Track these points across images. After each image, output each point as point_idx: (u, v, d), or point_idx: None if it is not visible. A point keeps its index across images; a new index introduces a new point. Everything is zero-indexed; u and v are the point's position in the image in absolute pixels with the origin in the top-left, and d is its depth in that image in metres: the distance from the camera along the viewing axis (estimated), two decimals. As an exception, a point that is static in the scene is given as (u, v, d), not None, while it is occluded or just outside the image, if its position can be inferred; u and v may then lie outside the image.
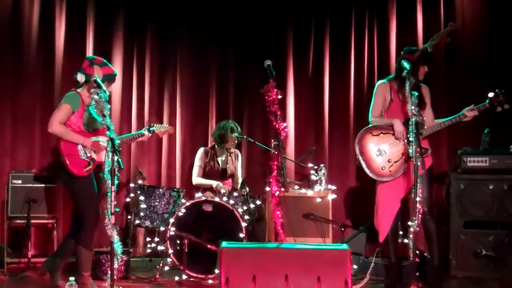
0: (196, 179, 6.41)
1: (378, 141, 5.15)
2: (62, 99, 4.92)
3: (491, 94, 5.03)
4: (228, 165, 6.42)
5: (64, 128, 4.81)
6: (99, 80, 4.55)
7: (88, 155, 4.88)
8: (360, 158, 5.17)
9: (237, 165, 6.52)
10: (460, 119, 5.06)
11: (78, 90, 4.94)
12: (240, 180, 6.34)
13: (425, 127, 5.05)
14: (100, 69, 4.87)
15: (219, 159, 6.42)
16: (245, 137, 6.69)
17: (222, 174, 6.41)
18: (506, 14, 6.73)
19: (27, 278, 5.42)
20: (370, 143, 5.16)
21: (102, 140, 4.89)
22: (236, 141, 6.42)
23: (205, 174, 6.41)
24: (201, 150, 6.49)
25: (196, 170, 6.44)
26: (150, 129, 5.47)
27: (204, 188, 6.32)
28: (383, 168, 5.09)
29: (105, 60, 4.97)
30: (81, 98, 4.89)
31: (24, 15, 6.67)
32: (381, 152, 5.12)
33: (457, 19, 6.88)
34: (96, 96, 4.38)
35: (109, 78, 4.95)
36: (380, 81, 5.32)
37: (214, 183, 6.23)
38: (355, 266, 5.77)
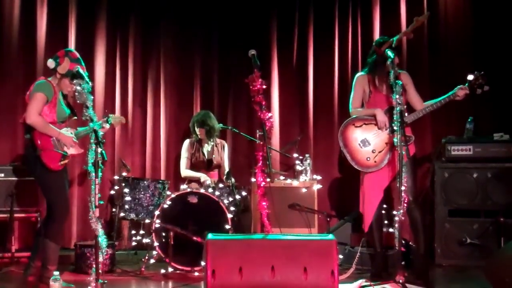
0: (185, 171, 6.38)
1: (361, 132, 5.17)
2: (33, 88, 4.71)
3: (470, 77, 5.03)
4: (214, 156, 6.39)
5: (42, 120, 4.66)
6: (81, 71, 4.50)
7: (62, 148, 4.77)
8: (345, 151, 5.19)
9: (223, 156, 6.49)
10: (450, 99, 5.04)
11: (49, 78, 4.80)
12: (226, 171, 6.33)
13: (406, 114, 5.04)
14: (69, 62, 4.70)
15: (205, 150, 6.39)
16: (229, 127, 6.67)
17: (208, 165, 6.37)
18: (488, 1, 6.75)
19: (11, 273, 5.36)
20: (353, 135, 5.18)
21: (71, 133, 4.84)
22: (202, 132, 6.33)
23: (192, 166, 6.38)
24: (186, 142, 6.46)
25: (183, 162, 6.41)
26: (108, 120, 5.25)
27: (190, 180, 6.29)
28: (368, 159, 5.10)
29: (80, 58, 4.80)
30: (53, 87, 4.75)
31: (5, 5, 6.61)
32: (364, 143, 5.13)
33: (440, 7, 6.91)
34: (78, 87, 4.32)
35: (74, 76, 4.73)
36: (359, 74, 5.36)
37: (202, 176, 6.20)
38: (340, 256, 5.77)
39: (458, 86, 5.04)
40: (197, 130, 6.31)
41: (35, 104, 4.64)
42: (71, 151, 4.83)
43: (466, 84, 5.01)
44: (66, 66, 4.70)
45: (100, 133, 4.20)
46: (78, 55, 4.81)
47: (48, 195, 4.82)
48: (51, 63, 4.75)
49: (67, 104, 4.92)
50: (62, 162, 4.76)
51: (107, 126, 5.17)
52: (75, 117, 4.96)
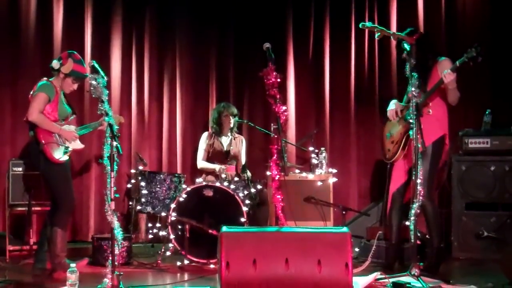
0: (201, 163, 6.40)
1: (387, 127, 5.33)
2: (36, 89, 4.99)
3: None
4: (232, 147, 6.39)
5: (43, 117, 4.92)
6: (96, 65, 4.55)
7: (64, 142, 5.01)
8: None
9: (241, 149, 6.49)
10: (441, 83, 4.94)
11: (51, 79, 5.07)
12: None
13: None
14: (72, 63, 5.02)
15: (223, 141, 6.39)
16: (245, 121, 6.69)
17: (226, 156, 6.38)
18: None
19: (29, 265, 5.42)
20: (385, 129, 5.36)
21: (74, 128, 5.11)
22: (231, 122, 6.35)
23: (209, 157, 6.40)
24: (205, 134, 6.49)
25: (200, 153, 6.43)
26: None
27: (206, 173, 6.31)
28: (389, 150, 5.22)
29: (82, 60, 5.12)
30: (55, 87, 5.01)
31: (21, 1, 6.64)
32: (389, 135, 5.27)
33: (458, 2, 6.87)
34: (94, 82, 4.36)
35: (76, 76, 5.06)
36: None
37: (217, 167, 6.22)
38: (356, 249, 5.77)
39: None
40: (231, 119, 6.30)
41: (37, 103, 4.92)
42: (73, 145, 5.08)
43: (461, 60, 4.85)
44: (70, 67, 5.01)
45: (116, 127, 4.26)
46: (80, 57, 5.11)
47: (53, 187, 5.06)
48: (55, 64, 5.03)
49: (68, 103, 5.20)
50: (64, 155, 5.00)
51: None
52: (74, 115, 5.24)
